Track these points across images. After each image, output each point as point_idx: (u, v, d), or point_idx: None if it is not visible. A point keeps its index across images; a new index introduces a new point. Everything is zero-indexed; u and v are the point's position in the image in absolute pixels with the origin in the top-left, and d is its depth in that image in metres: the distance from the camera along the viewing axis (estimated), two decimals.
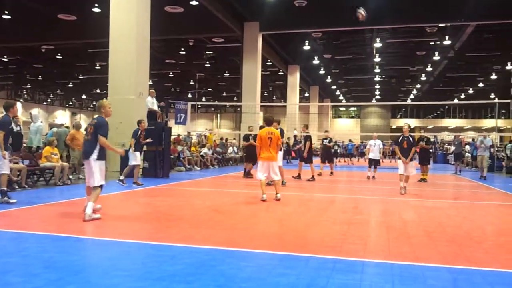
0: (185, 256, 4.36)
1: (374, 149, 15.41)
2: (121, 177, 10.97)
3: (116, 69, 14.11)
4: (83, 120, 53.74)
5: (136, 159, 11.16)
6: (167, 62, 34.16)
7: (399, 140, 10.64)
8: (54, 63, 35.69)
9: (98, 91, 50.76)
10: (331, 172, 16.73)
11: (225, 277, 3.71)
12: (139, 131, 11.34)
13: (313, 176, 13.53)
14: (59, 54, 32.22)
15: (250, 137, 14.55)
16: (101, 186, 6.32)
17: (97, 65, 34.45)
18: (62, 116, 54.11)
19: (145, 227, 5.89)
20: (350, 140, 31.65)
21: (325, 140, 16.90)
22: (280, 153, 11.65)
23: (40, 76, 43.80)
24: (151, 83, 22.72)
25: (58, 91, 54.39)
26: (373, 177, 15.01)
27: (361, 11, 16.93)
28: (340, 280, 3.69)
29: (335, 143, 32.01)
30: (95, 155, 6.30)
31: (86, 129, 6.60)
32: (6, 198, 7.40)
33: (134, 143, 11.09)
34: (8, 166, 7.69)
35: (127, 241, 5.03)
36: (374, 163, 15.27)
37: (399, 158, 10.47)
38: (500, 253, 4.80)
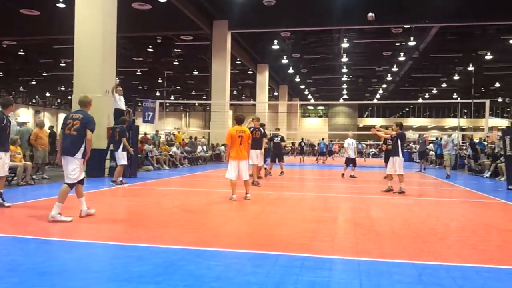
0: (153, 257, 4.31)
1: (351, 148, 15.29)
2: (114, 179, 10.90)
3: (82, 66, 13.81)
4: (47, 119, 52.32)
5: (124, 158, 11.06)
6: (134, 60, 33.65)
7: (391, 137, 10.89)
8: (17, 60, 34.57)
9: (63, 88, 49.52)
10: (282, 172, 15.05)
11: (194, 277, 3.69)
12: (125, 129, 11.22)
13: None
14: (21, 50, 31.23)
15: None
16: (70, 185, 6.05)
17: (62, 62, 33.60)
18: (25, 115, 52.41)
19: (112, 228, 5.78)
20: (322, 139, 32.09)
21: (276, 138, 15.37)
22: (259, 152, 11.63)
23: (1, 73, 42.32)
24: (118, 80, 22.32)
25: (21, 89, 52.66)
26: (353, 176, 14.98)
27: (372, 15, 18.10)
28: (309, 278, 3.72)
29: (301, 141, 32.61)
30: (81, 152, 6.07)
31: (66, 123, 6.16)
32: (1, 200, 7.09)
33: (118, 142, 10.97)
34: (4, 167, 7.24)
35: (93, 242, 4.93)
36: (351, 161, 15.27)
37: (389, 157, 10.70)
38: (462, 248, 4.96)
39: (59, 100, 59.82)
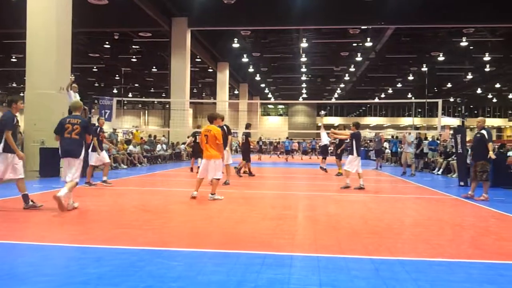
0: (111, 258, 4.21)
1: (324, 136, 16.52)
2: (87, 180, 10.49)
3: (34, 62, 13.32)
4: None
5: (103, 157, 10.65)
6: (90, 56, 32.76)
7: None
8: None
9: (14, 85, 47.49)
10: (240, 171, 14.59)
11: (154, 278, 3.63)
12: (98, 129, 10.85)
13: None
14: None
15: (197, 134, 14.40)
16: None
17: (13, 57, 32.26)
18: None
19: (67, 229, 5.61)
20: (287, 138, 32.63)
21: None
22: (225, 152, 11.46)
23: None
24: (73, 77, 21.59)
25: None
26: (325, 169, 16.31)
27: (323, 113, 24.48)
28: (270, 275, 3.75)
29: (259, 140, 32.87)
30: (83, 153, 6.98)
31: (65, 128, 6.84)
32: (32, 203, 6.79)
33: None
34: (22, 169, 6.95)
35: (48, 244, 4.76)
36: (324, 151, 16.60)
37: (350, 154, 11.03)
38: (416, 243, 5.13)
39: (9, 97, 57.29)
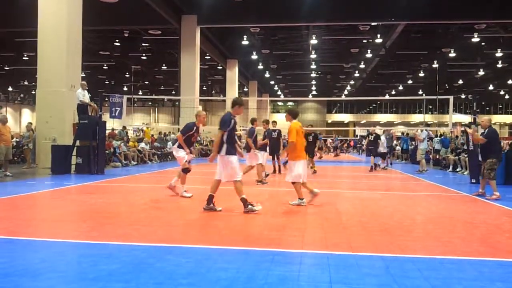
0: (122, 255, 4.24)
1: (381, 144, 17.09)
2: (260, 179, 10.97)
3: (46, 60, 13.45)
4: (10, 114, 50.51)
5: (258, 158, 11.00)
6: (101, 54, 32.93)
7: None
8: None
9: (26, 83, 47.97)
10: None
11: (164, 274, 3.65)
12: (255, 130, 11.20)
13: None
14: None
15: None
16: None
17: (25, 55, 32.52)
18: None
19: (79, 226, 5.66)
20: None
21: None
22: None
23: None
24: (84, 75, 21.73)
25: None
26: (384, 167, 17.39)
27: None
28: (279, 272, 3.75)
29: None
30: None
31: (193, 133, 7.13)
32: (250, 206, 6.60)
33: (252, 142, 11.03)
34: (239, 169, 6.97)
35: (60, 240, 4.81)
36: (381, 155, 17.39)
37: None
38: (427, 241, 5.10)
39: (22, 95, 57.88)
